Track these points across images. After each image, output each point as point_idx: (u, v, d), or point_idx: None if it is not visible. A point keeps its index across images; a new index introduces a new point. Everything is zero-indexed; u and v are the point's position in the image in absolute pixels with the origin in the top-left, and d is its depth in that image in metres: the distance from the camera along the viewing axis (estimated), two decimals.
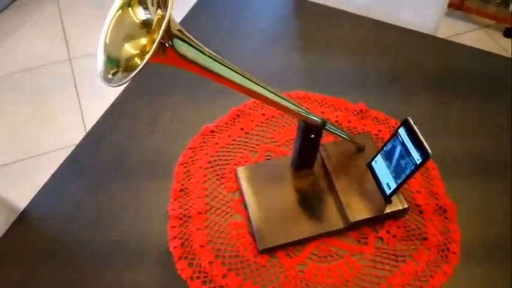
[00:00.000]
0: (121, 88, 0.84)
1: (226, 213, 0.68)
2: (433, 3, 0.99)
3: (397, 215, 0.66)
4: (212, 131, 0.78)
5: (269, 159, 0.75)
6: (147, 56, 0.37)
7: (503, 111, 0.82)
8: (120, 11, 0.43)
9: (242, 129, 0.78)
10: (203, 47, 0.43)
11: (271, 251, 0.64)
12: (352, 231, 0.66)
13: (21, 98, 1.84)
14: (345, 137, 0.67)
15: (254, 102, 0.82)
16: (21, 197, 0.77)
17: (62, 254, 0.65)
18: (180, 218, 0.67)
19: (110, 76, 0.41)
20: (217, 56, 0.45)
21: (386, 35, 0.96)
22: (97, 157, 0.76)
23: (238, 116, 0.80)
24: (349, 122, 0.79)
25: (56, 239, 0.67)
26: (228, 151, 0.76)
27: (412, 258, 0.64)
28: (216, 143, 0.76)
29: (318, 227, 0.65)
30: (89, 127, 1.72)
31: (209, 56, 0.44)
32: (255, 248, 0.64)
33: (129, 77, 0.38)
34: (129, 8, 0.43)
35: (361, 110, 0.80)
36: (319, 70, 0.90)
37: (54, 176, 0.73)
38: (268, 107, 0.81)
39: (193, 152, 0.75)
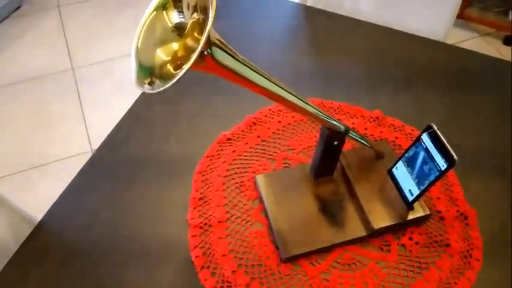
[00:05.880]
0: (129, 98, 0.84)
1: (246, 222, 0.68)
2: (443, 11, 1.00)
3: (419, 221, 0.66)
4: (229, 139, 0.78)
5: (287, 166, 0.75)
6: (188, 64, 0.36)
7: None
8: (154, 13, 0.42)
9: (259, 136, 0.78)
10: (238, 54, 0.43)
11: (294, 259, 0.63)
12: (375, 239, 0.66)
13: (23, 108, 1.82)
14: (367, 144, 0.66)
15: (270, 109, 0.82)
16: (30, 206, 0.76)
17: (81, 264, 0.64)
18: (201, 227, 0.67)
19: (146, 86, 0.41)
20: (252, 64, 0.45)
21: (398, 42, 0.97)
22: (113, 166, 0.75)
23: (254, 123, 0.80)
24: (366, 129, 0.79)
25: (75, 248, 0.66)
26: (246, 159, 0.75)
27: (436, 265, 0.63)
28: (234, 151, 0.76)
29: (341, 234, 0.65)
30: (92, 136, 1.71)
31: (243, 64, 0.44)
32: (278, 256, 0.64)
33: (169, 85, 0.37)
34: (164, 11, 0.42)
35: (377, 117, 0.80)
36: (332, 77, 0.90)
37: (71, 185, 0.72)
38: (284, 115, 0.81)
39: (210, 160, 0.75)
